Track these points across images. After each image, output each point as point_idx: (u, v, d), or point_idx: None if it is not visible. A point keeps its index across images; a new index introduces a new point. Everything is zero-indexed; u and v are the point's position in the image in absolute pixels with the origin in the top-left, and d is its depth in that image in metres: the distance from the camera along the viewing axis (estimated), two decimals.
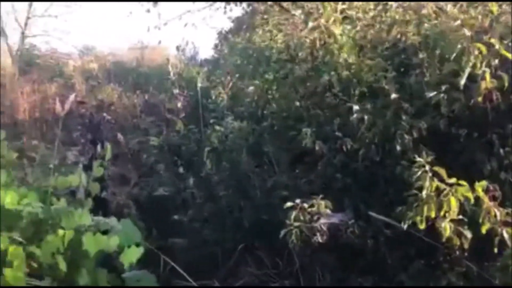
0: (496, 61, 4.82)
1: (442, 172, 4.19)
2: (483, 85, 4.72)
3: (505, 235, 4.15)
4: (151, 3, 14.03)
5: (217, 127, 7.81)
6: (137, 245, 4.45)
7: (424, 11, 6.03)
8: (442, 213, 4.20)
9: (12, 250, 3.79)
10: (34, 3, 22.94)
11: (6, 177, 4.52)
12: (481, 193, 4.17)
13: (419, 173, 4.24)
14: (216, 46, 23.38)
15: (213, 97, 9.82)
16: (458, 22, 5.32)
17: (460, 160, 4.97)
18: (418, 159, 4.31)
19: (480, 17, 5.30)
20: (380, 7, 6.40)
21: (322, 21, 5.59)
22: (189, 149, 8.07)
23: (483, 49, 4.72)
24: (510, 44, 4.97)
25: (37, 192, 4.48)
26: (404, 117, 5.04)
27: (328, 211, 4.62)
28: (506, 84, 4.69)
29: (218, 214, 6.83)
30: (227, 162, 7.08)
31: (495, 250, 4.16)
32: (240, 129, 6.90)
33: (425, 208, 4.19)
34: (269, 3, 11.18)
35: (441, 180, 4.22)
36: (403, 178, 4.62)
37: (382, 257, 5.06)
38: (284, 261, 5.75)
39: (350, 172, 5.41)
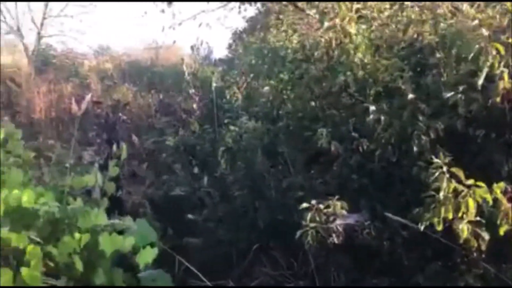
0: None
1: (460, 173, 4.16)
2: (501, 85, 4.67)
3: None
4: (165, 3, 14.12)
5: (232, 127, 7.80)
6: (152, 245, 4.47)
7: (439, 11, 6.00)
8: (459, 215, 4.16)
9: (30, 249, 3.82)
10: (50, 4, 23.16)
11: (23, 177, 4.56)
12: (499, 195, 4.14)
13: (437, 174, 4.21)
14: (230, 45, 23.44)
15: (228, 97, 9.82)
16: (476, 22, 5.28)
17: (477, 161, 4.92)
18: (435, 160, 4.28)
19: (498, 16, 5.25)
20: (396, 7, 6.37)
21: (337, 20, 5.56)
22: (203, 149, 8.08)
23: (501, 49, 4.67)
24: None
25: (53, 191, 4.51)
26: (421, 118, 5.00)
27: (344, 212, 4.60)
28: None
29: (233, 214, 6.82)
30: (242, 162, 7.07)
31: None
32: (254, 129, 6.89)
33: (443, 210, 4.16)
34: (284, 2, 11.18)
35: (459, 181, 4.18)
36: (420, 179, 4.59)
37: (398, 258, 5.03)
38: (299, 261, 5.73)
39: (366, 173, 5.38)
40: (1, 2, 22.17)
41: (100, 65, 20.22)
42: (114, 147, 6.04)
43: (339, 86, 5.58)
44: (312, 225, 4.55)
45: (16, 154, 5.02)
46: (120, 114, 9.57)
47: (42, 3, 22.94)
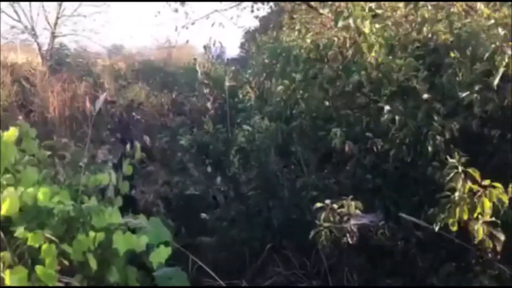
0: None
1: (476, 173, 4.14)
2: None
3: None
4: (178, 3, 14.17)
5: (245, 127, 7.80)
6: (166, 244, 4.49)
7: (453, 9, 5.96)
8: (475, 215, 4.14)
9: (44, 247, 3.86)
10: (64, 3, 23.35)
11: (38, 175, 4.61)
12: None
13: (452, 174, 4.19)
14: (242, 45, 23.47)
15: (240, 96, 9.81)
16: (492, 21, 5.25)
17: (493, 161, 4.89)
18: (450, 160, 4.26)
19: None
20: (410, 6, 6.35)
21: (351, 20, 5.54)
22: (216, 148, 8.08)
23: None
24: None
25: (68, 190, 4.55)
26: (436, 118, 4.97)
27: (358, 212, 4.58)
28: None
29: (246, 213, 6.82)
30: (255, 162, 7.07)
31: None
32: (267, 128, 6.88)
33: (458, 210, 4.14)
34: (297, 2, 11.17)
35: (474, 182, 4.16)
36: (435, 179, 4.57)
37: (412, 259, 5.01)
38: (312, 261, 5.72)
39: (381, 173, 5.35)
40: (16, 2, 22.38)
41: (114, 64, 20.35)
42: (128, 146, 6.08)
43: (353, 85, 5.55)
44: (326, 225, 4.54)
45: (31, 153, 5.06)
46: (133, 114, 9.61)
47: (56, 3, 23.15)
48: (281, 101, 6.50)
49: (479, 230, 4.15)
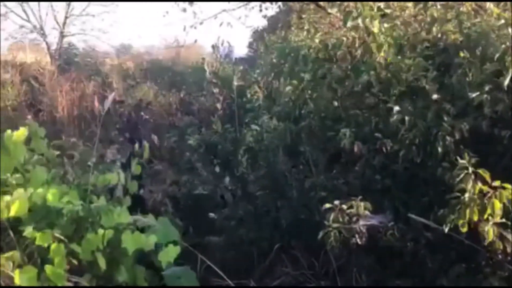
0: None
1: (486, 174, 4.12)
2: None
3: None
4: (187, 3, 14.19)
5: (253, 126, 7.80)
6: (175, 243, 4.49)
7: (463, 9, 5.93)
8: (485, 217, 4.12)
9: (54, 247, 3.87)
10: (72, 3, 23.44)
11: (47, 175, 4.62)
12: None
13: (462, 175, 4.17)
14: (250, 44, 23.46)
15: (249, 96, 9.80)
16: (502, 21, 5.23)
17: (503, 162, 4.86)
18: (460, 161, 4.23)
19: None
20: (420, 5, 6.32)
21: (360, 20, 5.52)
22: (225, 148, 8.09)
23: None
24: None
25: (77, 190, 4.57)
26: (445, 118, 4.95)
27: (367, 212, 4.57)
28: None
29: (254, 213, 6.82)
30: (263, 162, 7.07)
31: None
32: (275, 128, 6.87)
33: (468, 211, 4.12)
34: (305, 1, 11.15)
35: (484, 183, 4.14)
36: (444, 180, 4.54)
37: (422, 260, 4.99)
38: (321, 261, 5.71)
39: (390, 174, 5.34)
40: (25, 2, 22.50)
41: (122, 64, 20.40)
42: (136, 145, 6.09)
43: (362, 86, 5.53)
44: (335, 225, 4.53)
45: (40, 152, 5.08)
46: (142, 113, 9.63)
47: (64, 3, 23.24)
48: (290, 101, 6.49)
49: (489, 232, 4.13)
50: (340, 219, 4.55)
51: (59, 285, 3.83)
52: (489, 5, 6.06)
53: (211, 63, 11.94)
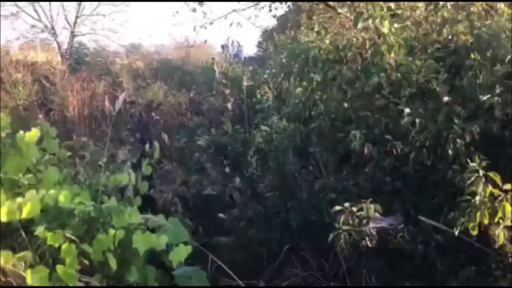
0: None
1: (496, 177, 4.10)
2: None
3: None
4: (197, 3, 14.20)
5: (263, 127, 7.80)
6: (185, 243, 4.50)
7: (473, 9, 5.90)
8: (495, 220, 4.10)
9: (65, 247, 3.89)
10: (83, 3, 23.54)
11: (59, 175, 4.64)
12: None
13: (472, 178, 4.15)
14: (260, 43, 23.45)
15: (258, 97, 9.81)
16: None
17: None
18: (471, 164, 4.22)
19: None
20: (430, 7, 6.29)
21: (370, 21, 5.51)
22: (235, 149, 8.10)
23: None
24: None
25: (88, 190, 4.58)
26: (456, 121, 4.94)
27: (378, 215, 4.56)
28: None
29: (263, 214, 6.82)
30: (272, 163, 7.07)
31: None
32: (285, 129, 6.88)
33: (478, 214, 4.11)
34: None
35: (495, 186, 4.13)
36: (455, 183, 4.53)
37: (432, 263, 4.98)
38: (330, 262, 5.71)
39: (400, 176, 5.33)
40: (36, 2, 22.63)
41: (132, 63, 20.44)
42: (147, 146, 6.11)
43: (372, 87, 5.53)
44: (345, 228, 4.53)
45: (51, 152, 5.10)
46: (153, 114, 9.66)
47: (75, 2, 23.34)
48: (300, 102, 6.49)
49: (500, 235, 4.12)
50: (350, 222, 4.55)
51: (71, 285, 3.85)
52: (500, 5, 6.03)
53: (221, 63, 11.96)
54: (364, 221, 4.53)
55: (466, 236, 4.35)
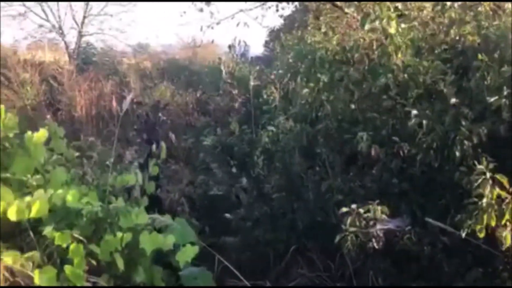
0: None
1: (504, 180, 4.09)
2: None
3: None
4: (204, 3, 14.22)
5: (269, 128, 7.81)
6: (192, 243, 4.51)
7: (480, 9, 5.88)
8: (503, 222, 4.09)
9: (73, 248, 3.91)
10: (91, 3, 23.61)
11: (67, 176, 4.66)
12: None
13: (480, 180, 4.15)
14: (266, 43, 23.45)
15: (265, 97, 9.81)
16: None
17: None
18: (478, 166, 4.21)
19: None
20: (438, 7, 6.27)
21: (377, 22, 5.50)
22: (241, 149, 8.11)
23: None
24: None
25: (96, 191, 4.60)
26: (463, 122, 4.92)
27: (384, 216, 4.56)
28: None
29: (270, 214, 6.83)
30: (279, 163, 7.07)
31: None
32: (292, 130, 6.88)
33: (485, 217, 4.10)
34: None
35: (502, 188, 4.11)
36: (462, 184, 4.52)
37: (439, 264, 4.97)
38: (336, 263, 5.71)
39: (407, 177, 5.32)
40: (44, 2, 22.72)
41: (139, 63, 20.49)
42: (154, 146, 6.13)
43: (379, 88, 5.52)
44: (352, 229, 4.52)
45: (59, 152, 5.12)
46: (159, 114, 9.69)
47: (83, 2, 23.42)
48: (307, 103, 6.48)
49: (507, 237, 4.11)
50: (357, 223, 4.55)
51: (78, 285, 3.86)
52: (508, 5, 6.01)
53: (227, 63, 11.97)
54: (371, 223, 4.53)
55: (473, 238, 4.34)
